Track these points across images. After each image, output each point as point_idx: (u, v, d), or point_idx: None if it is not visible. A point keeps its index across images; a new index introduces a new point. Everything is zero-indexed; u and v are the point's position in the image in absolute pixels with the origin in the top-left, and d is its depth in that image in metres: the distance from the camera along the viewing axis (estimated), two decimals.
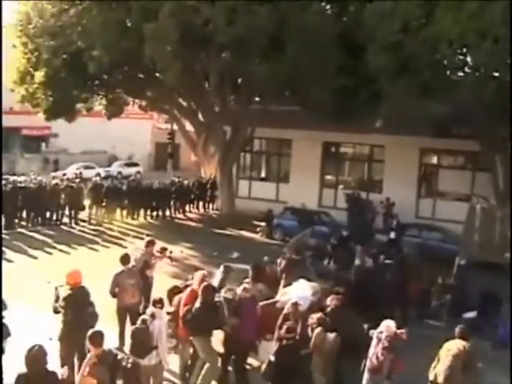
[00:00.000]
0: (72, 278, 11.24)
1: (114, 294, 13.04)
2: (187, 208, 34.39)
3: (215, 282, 12.61)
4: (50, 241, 24.11)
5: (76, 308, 10.91)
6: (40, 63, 29.48)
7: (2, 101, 34.22)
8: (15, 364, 8.20)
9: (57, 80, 28.69)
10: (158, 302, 10.95)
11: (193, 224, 31.62)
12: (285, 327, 9.41)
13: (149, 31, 23.82)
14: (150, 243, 15.00)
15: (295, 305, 11.07)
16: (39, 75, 29.28)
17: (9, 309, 11.16)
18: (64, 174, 41.40)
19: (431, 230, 26.00)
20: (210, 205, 35.77)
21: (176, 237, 25.63)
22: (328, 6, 27.20)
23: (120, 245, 24.01)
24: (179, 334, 11.58)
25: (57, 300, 11.21)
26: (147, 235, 25.94)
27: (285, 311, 11.09)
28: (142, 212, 31.19)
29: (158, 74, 28.71)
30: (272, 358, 8.93)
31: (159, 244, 24.17)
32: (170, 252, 15.25)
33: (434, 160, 32.50)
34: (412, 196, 30.59)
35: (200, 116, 33.00)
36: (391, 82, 22.12)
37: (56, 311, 11.15)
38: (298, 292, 12.34)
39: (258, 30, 23.60)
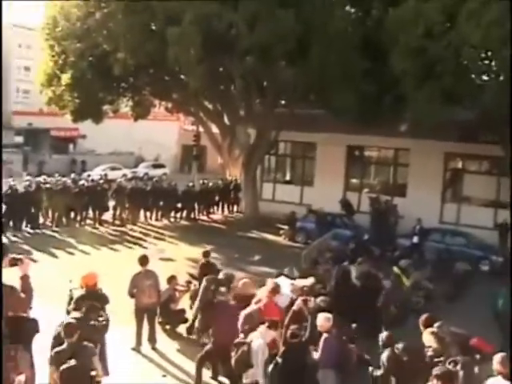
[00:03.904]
0: (87, 281, 11.30)
1: (132, 295, 13.18)
2: (211, 210, 34.58)
3: None
4: (72, 241, 24.34)
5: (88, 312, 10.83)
6: (66, 66, 29.87)
7: (32, 102, 34.57)
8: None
9: (83, 82, 28.97)
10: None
11: (216, 226, 31.77)
12: (291, 327, 9.35)
13: (172, 35, 24.02)
14: (172, 278, 14.98)
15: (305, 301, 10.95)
16: (66, 77, 29.60)
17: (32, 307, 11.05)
18: (88, 175, 41.68)
19: (455, 235, 25.78)
20: (235, 207, 35.99)
21: (199, 238, 25.78)
22: (352, 10, 27.17)
23: (142, 246, 24.29)
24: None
25: (70, 303, 11.21)
26: (170, 236, 26.41)
27: (294, 308, 10.84)
28: (166, 213, 31.38)
29: (183, 77, 28.92)
30: (279, 360, 8.90)
31: (181, 246, 24.72)
32: (194, 285, 15.17)
33: (459, 165, 32.18)
34: (436, 200, 30.31)
35: (225, 119, 33.12)
36: (415, 87, 22.07)
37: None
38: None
39: (280, 35, 23.67)
